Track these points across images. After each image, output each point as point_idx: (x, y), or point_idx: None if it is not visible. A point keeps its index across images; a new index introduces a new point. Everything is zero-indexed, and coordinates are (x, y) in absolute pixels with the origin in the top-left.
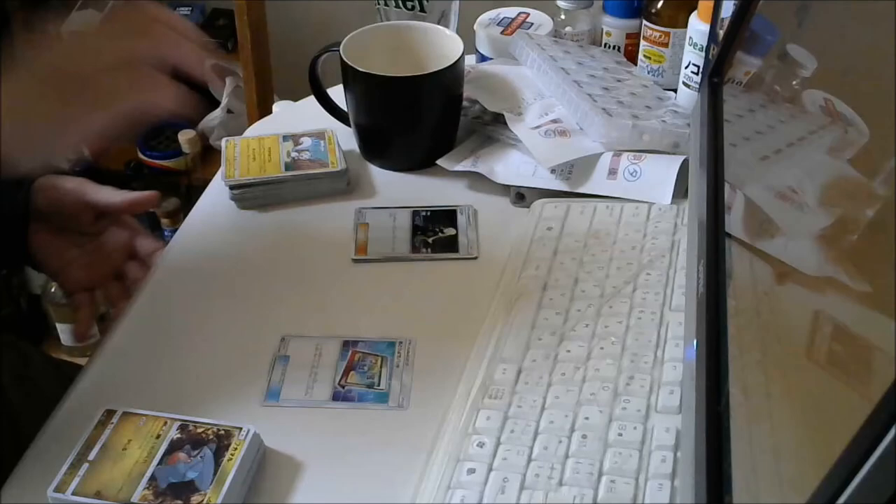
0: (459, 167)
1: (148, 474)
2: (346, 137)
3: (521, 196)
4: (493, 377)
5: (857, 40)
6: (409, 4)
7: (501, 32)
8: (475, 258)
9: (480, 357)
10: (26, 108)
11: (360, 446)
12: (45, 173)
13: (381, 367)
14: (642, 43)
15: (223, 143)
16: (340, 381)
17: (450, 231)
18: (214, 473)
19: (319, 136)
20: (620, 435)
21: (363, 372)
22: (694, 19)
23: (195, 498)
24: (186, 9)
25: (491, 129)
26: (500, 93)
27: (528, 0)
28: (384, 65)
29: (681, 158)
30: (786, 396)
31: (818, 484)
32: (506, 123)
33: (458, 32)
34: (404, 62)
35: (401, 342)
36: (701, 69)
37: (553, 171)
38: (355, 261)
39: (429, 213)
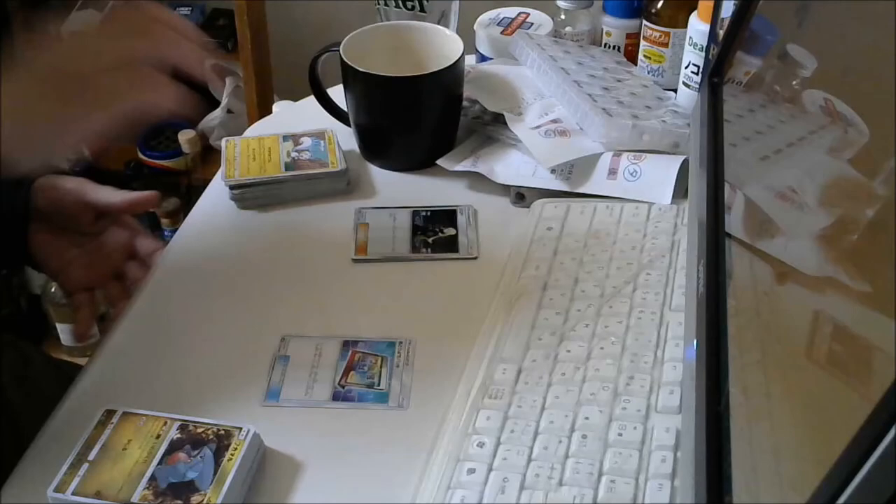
0: (459, 167)
1: (148, 474)
2: (346, 137)
3: (521, 196)
4: (493, 377)
5: (857, 40)
6: (409, 4)
7: (501, 32)
8: (475, 258)
9: (480, 357)
10: (26, 108)
11: (360, 446)
12: (45, 173)
13: (381, 367)
14: (642, 43)
15: (223, 143)
16: (340, 381)
17: (450, 231)
18: (214, 473)
19: (319, 136)
20: (620, 435)
21: (363, 372)
22: (694, 19)
23: (195, 498)
24: (186, 9)
25: (491, 129)
26: (500, 93)
27: (528, 0)
28: (384, 65)
29: (681, 158)
30: (786, 396)
31: (818, 484)
32: (506, 123)
33: (458, 32)
34: (404, 62)
35: (401, 342)
36: (701, 69)
37: (553, 171)
38: (355, 261)
39: (429, 213)
